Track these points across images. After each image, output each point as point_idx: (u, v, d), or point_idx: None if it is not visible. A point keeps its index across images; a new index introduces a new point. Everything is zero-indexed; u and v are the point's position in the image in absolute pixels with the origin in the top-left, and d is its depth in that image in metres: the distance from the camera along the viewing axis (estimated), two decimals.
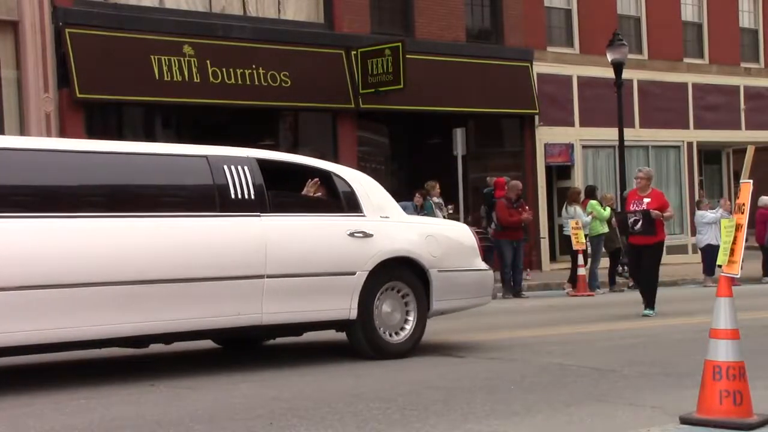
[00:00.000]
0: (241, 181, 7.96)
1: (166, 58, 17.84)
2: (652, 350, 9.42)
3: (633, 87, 25.11)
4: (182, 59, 18.01)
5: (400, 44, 19.64)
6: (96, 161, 7.59)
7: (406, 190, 19.77)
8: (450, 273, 8.99)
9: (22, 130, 16.43)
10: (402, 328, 8.73)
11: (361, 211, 8.67)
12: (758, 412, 5.51)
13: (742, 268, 5.66)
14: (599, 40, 22.45)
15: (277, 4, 20.07)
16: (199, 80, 18.19)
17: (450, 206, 18.79)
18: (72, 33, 16.89)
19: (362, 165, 19.84)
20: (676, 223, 25.71)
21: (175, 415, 6.10)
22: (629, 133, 22.91)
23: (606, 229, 18.37)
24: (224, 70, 18.52)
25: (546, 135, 23.84)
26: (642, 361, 8.55)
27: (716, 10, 27.57)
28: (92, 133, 16.57)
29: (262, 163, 8.25)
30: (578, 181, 23.87)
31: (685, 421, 5.53)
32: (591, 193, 19.52)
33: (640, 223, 12.80)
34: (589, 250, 18.36)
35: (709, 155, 28.75)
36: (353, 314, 8.33)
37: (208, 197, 7.84)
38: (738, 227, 5.56)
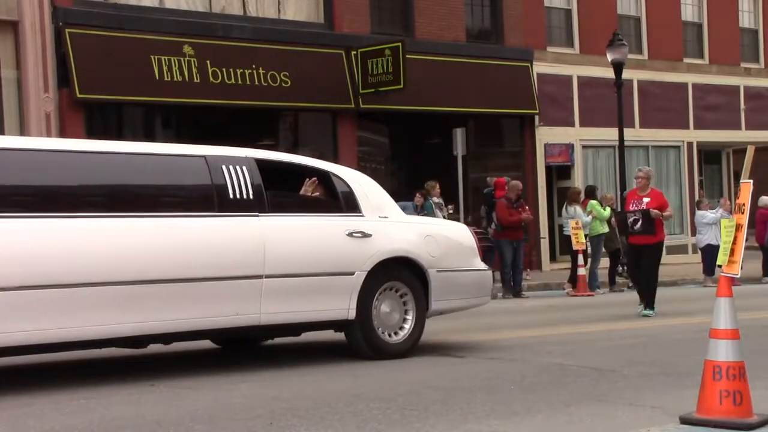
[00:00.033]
0: (240, 181, 7.95)
1: (166, 58, 17.84)
2: (652, 350, 9.42)
3: (633, 87, 25.11)
4: (182, 59, 18.01)
5: (400, 44, 19.64)
6: (95, 161, 7.58)
7: (406, 190, 19.77)
8: (449, 273, 8.99)
9: (22, 130, 16.43)
10: (401, 328, 8.73)
11: (360, 211, 8.67)
12: (758, 412, 5.51)
13: (742, 268, 5.66)
14: (599, 40, 22.44)
15: (277, 4, 20.07)
16: (199, 80, 18.19)
17: (450, 206, 18.79)
18: (72, 33, 16.89)
19: (362, 165, 19.85)
20: (676, 223, 25.72)
21: (175, 415, 6.10)
22: (629, 133, 22.90)
23: (606, 229, 18.37)
24: (224, 70, 18.52)
25: (546, 135, 23.84)
26: (642, 361, 8.54)
27: (716, 10, 27.57)
28: (92, 133, 16.57)
29: (261, 163, 8.25)
30: (578, 181, 23.87)
31: (685, 421, 5.53)
32: (591, 193, 19.52)
33: (639, 222, 12.81)
34: (589, 250, 18.36)
35: (709, 155, 28.75)
36: (352, 314, 8.33)
37: (206, 197, 7.83)
38: (738, 227, 5.56)
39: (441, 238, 9.13)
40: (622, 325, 12.13)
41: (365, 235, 8.49)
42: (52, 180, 7.32)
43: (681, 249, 25.84)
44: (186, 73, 18.04)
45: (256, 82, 18.93)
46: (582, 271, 17.86)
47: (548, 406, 6.34)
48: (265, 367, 8.20)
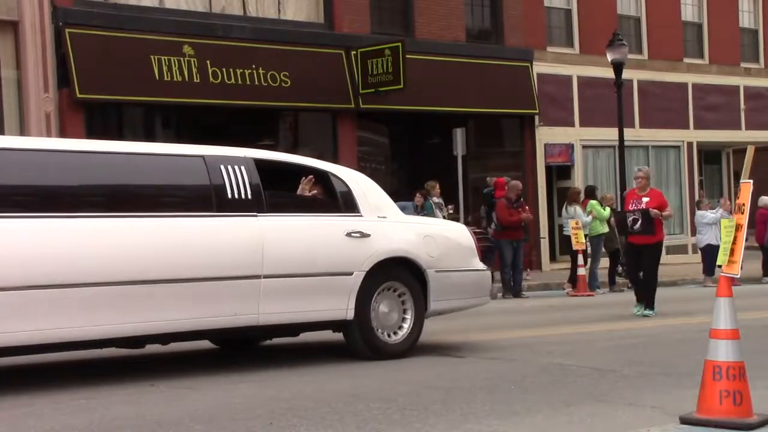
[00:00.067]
0: (238, 181, 7.95)
1: (166, 58, 17.84)
2: (652, 350, 9.42)
3: (633, 87, 25.11)
4: (182, 59, 18.01)
5: (400, 44, 19.64)
6: (94, 161, 7.58)
7: (406, 190, 19.77)
8: (447, 273, 8.98)
9: (22, 130, 16.43)
10: (399, 328, 8.73)
11: (359, 211, 8.67)
12: (758, 412, 5.51)
13: (742, 268, 5.66)
14: (599, 40, 22.43)
15: (277, 4, 20.07)
16: (199, 80, 18.19)
17: (450, 206, 18.79)
18: (72, 33, 16.89)
19: (362, 165, 19.85)
20: (676, 223, 25.72)
21: (175, 415, 6.10)
22: (629, 133, 22.90)
23: (606, 229, 18.37)
24: (224, 70, 18.52)
25: (546, 135, 23.84)
26: (642, 361, 8.54)
27: (716, 10, 27.57)
28: (92, 133, 16.57)
29: (259, 163, 8.24)
30: (578, 181, 23.87)
31: (685, 421, 5.53)
32: (591, 193, 19.52)
33: (639, 222, 12.81)
34: (589, 250, 18.37)
35: (709, 155, 28.75)
36: (350, 314, 8.33)
37: (204, 197, 7.83)
38: (738, 227, 5.57)
39: (440, 239, 9.12)
40: (622, 325, 12.13)
41: (364, 235, 8.49)
42: (52, 180, 7.33)
43: (681, 249, 25.84)
44: (186, 73, 18.04)
45: (256, 82, 18.93)
46: (582, 271, 17.86)
47: (548, 406, 6.34)
48: (265, 367, 8.20)
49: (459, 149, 19.81)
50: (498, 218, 17.33)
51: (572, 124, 24.43)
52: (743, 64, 28.23)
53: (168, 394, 6.91)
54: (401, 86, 19.54)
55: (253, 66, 18.90)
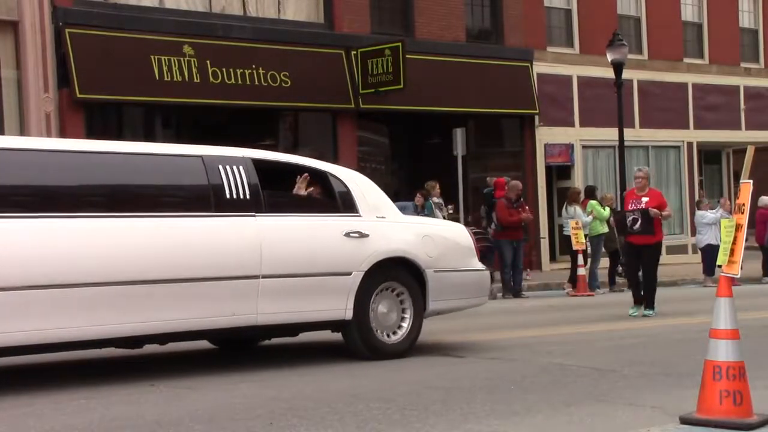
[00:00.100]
0: (236, 181, 7.94)
1: (166, 58, 17.84)
2: (652, 350, 9.42)
3: (633, 87, 25.11)
4: (182, 59, 18.01)
5: (400, 44, 19.64)
6: (93, 161, 7.58)
7: (406, 190, 19.78)
8: (446, 273, 8.98)
9: (22, 130, 16.43)
10: (399, 328, 8.73)
11: (357, 211, 8.66)
12: (758, 412, 5.51)
13: (742, 268, 5.66)
14: (599, 40, 22.44)
15: (277, 4, 20.07)
16: (199, 80, 18.20)
17: (450, 206, 18.78)
18: (72, 33, 16.89)
19: (362, 165, 19.86)
20: (676, 223, 25.72)
21: (175, 415, 6.10)
22: (629, 133, 22.91)
23: (606, 229, 18.37)
24: (224, 70, 18.52)
25: (546, 135, 23.84)
26: (642, 361, 8.54)
27: (716, 10, 27.57)
28: (92, 133, 16.57)
29: (258, 163, 8.24)
30: (578, 181, 23.87)
31: (685, 421, 5.53)
32: (591, 193, 19.52)
33: (639, 222, 12.81)
34: (589, 250, 18.37)
35: (709, 155, 28.75)
36: (349, 314, 8.32)
37: (203, 197, 7.82)
38: (738, 227, 5.57)
39: (438, 239, 9.12)
40: (622, 325, 12.13)
41: (362, 235, 8.48)
42: (52, 180, 7.32)
43: (681, 249, 25.84)
44: (186, 73, 18.04)
45: (256, 82, 18.93)
46: (582, 271, 17.86)
47: (548, 406, 6.34)
48: (265, 367, 8.20)
49: (459, 149, 19.80)
50: (498, 218, 17.33)
51: (572, 124, 24.43)
52: (743, 64, 28.23)
53: (168, 394, 6.91)
54: (401, 86, 19.54)
55: (253, 66, 18.90)
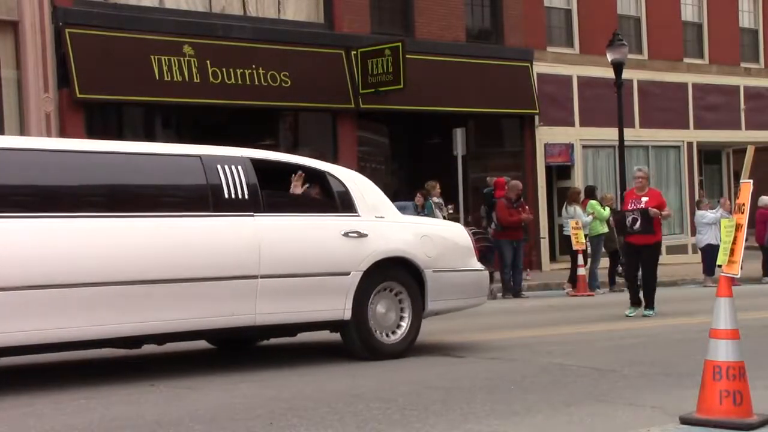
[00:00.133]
0: (235, 181, 7.94)
1: (166, 58, 17.84)
2: (652, 350, 9.42)
3: (633, 87, 25.11)
4: (182, 59, 18.02)
5: (400, 44, 19.64)
6: (92, 161, 7.58)
7: (406, 190, 19.77)
8: (445, 273, 8.98)
9: (22, 130, 16.43)
10: (398, 328, 8.72)
11: (356, 211, 8.66)
12: (758, 412, 5.51)
13: (742, 268, 5.66)
14: (599, 40, 22.44)
15: (277, 4, 20.07)
16: (199, 80, 18.20)
17: (450, 206, 18.79)
18: (72, 33, 16.89)
19: (362, 165, 19.87)
20: (676, 223, 25.73)
21: (175, 415, 6.10)
22: (629, 133, 22.91)
23: (606, 229, 18.36)
24: (224, 70, 18.52)
25: (546, 135, 23.84)
26: (642, 361, 8.54)
27: (716, 10, 27.57)
28: (92, 133, 16.57)
29: (256, 163, 8.23)
30: (578, 181, 23.87)
31: (685, 421, 5.53)
32: (591, 193, 19.53)
33: (638, 222, 12.80)
34: (589, 250, 18.37)
35: (709, 155, 28.75)
36: (347, 315, 8.32)
37: (201, 197, 7.81)
38: (738, 227, 5.57)
39: (437, 239, 9.12)
40: (622, 325, 12.14)
41: (361, 235, 8.48)
42: (52, 180, 7.32)
43: (681, 249, 25.84)
44: (186, 73, 18.04)
45: (256, 82, 18.93)
46: (582, 271, 17.86)
47: (548, 406, 6.34)
48: (265, 367, 8.20)
49: (459, 149, 19.81)
50: (498, 218, 17.33)
51: (572, 124, 24.43)
52: (743, 64, 28.24)
53: (168, 394, 6.91)
54: (401, 86, 19.55)
55: (253, 66, 18.90)
